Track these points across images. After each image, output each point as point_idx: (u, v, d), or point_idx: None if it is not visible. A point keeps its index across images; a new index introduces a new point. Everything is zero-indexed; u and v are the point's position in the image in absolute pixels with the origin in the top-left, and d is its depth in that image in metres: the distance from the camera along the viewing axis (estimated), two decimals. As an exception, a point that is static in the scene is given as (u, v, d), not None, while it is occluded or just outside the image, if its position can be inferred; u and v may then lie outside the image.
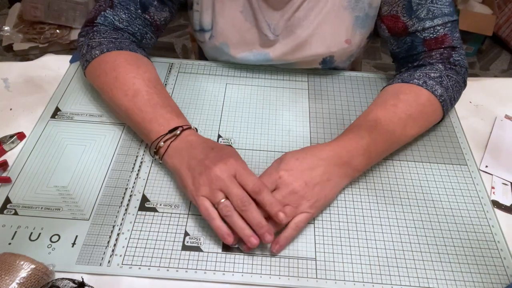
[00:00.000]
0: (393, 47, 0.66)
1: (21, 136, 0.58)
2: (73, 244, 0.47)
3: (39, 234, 0.48)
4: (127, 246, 0.47)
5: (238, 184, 0.46)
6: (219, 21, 0.66)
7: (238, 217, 0.45)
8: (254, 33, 0.66)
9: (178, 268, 0.46)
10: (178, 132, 0.51)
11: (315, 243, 0.49)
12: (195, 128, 0.54)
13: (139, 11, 0.62)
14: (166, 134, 0.51)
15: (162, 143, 0.51)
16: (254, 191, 0.46)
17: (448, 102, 0.59)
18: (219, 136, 0.60)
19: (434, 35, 0.60)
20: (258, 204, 0.46)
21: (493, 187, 0.57)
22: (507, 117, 0.67)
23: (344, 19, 0.64)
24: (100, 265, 0.46)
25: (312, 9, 0.63)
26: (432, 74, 0.59)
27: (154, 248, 0.47)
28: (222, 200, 0.45)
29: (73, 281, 0.42)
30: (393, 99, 0.58)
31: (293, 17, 0.64)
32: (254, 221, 0.45)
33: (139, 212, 0.51)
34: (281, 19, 0.64)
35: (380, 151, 0.55)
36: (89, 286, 0.42)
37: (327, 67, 0.70)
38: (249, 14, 0.65)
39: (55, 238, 0.48)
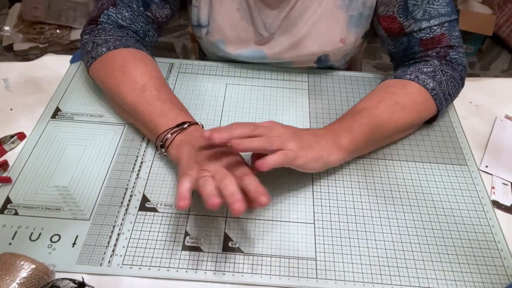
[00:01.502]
0: (390, 47, 0.67)
1: (21, 136, 0.58)
2: (74, 244, 0.47)
3: (40, 234, 0.48)
4: (128, 246, 0.47)
5: (227, 171, 0.45)
6: (216, 18, 0.66)
7: (211, 186, 0.42)
8: (250, 31, 0.67)
9: (178, 268, 0.46)
10: (185, 126, 0.52)
11: (315, 243, 0.49)
12: (202, 125, 0.55)
13: (141, 8, 0.62)
14: (174, 127, 0.52)
15: (169, 135, 0.51)
16: (238, 176, 0.45)
17: (441, 96, 0.59)
18: (219, 136, 0.60)
19: (431, 35, 0.60)
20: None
21: (493, 187, 0.57)
22: (507, 117, 0.67)
23: (338, 19, 0.64)
24: (101, 265, 0.46)
25: (307, 8, 0.63)
26: (425, 69, 0.60)
27: (154, 248, 0.47)
28: (208, 177, 0.44)
29: (73, 281, 0.42)
30: (381, 92, 0.59)
31: (288, 16, 0.64)
32: (227, 192, 0.42)
33: (140, 212, 0.51)
34: (277, 18, 0.65)
35: (365, 131, 0.53)
36: (89, 286, 0.42)
37: (322, 65, 0.71)
38: (245, 12, 0.65)
39: (55, 238, 0.48)
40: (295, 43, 0.66)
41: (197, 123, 0.54)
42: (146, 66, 0.58)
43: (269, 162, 0.44)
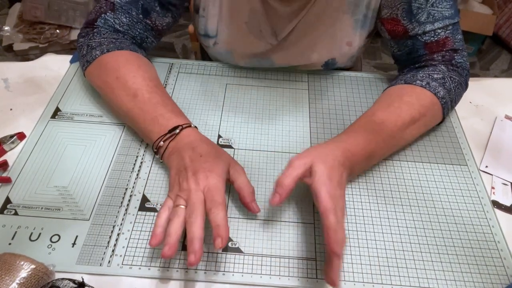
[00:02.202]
0: (394, 50, 0.66)
1: (21, 136, 0.58)
2: (73, 244, 0.47)
3: (39, 234, 0.48)
4: (127, 246, 0.47)
5: (202, 198, 0.45)
6: (224, 30, 0.66)
7: (177, 224, 0.43)
8: (258, 44, 0.67)
9: (178, 268, 0.46)
10: (177, 131, 0.52)
11: (315, 243, 0.49)
12: (195, 127, 0.54)
13: (141, 16, 0.62)
14: (166, 134, 0.52)
15: (162, 142, 0.52)
16: (208, 208, 0.44)
17: (449, 104, 0.59)
18: (219, 136, 0.60)
19: (435, 38, 0.60)
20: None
21: (493, 187, 0.57)
22: (507, 117, 0.67)
23: (344, 23, 0.64)
24: (100, 265, 0.46)
25: (314, 15, 0.63)
26: (435, 76, 0.59)
27: (154, 248, 0.47)
28: (181, 206, 0.45)
29: (73, 281, 0.42)
30: (397, 101, 0.57)
31: (298, 25, 0.64)
32: (189, 235, 0.42)
33: (139, 212, 0.51)
34: (285, 28, 0.64)
35: (380, 155, 0.55)
36: (89, 286, 0.42)
37: (329, 68, 0.71)
38: (254, 25, 0.65)
39: (55, 238, 0.48)
40: (302, 50, 0.67)
41: (190, 125, 0.53)
42: (138, 68, 0.57)
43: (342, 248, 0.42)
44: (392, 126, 0.54)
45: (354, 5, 0.63)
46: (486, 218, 0.53)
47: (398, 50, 0.65)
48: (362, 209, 0.53)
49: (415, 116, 0.56)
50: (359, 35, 0.66)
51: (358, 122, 0.56)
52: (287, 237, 0.49)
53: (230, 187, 0.54)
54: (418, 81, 0.59)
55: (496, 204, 0.55)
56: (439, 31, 0.59)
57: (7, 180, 0.52)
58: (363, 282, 0.46)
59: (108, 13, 0.61)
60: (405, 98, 0.58)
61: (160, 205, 0.51)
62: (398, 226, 0.51)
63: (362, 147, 0.51)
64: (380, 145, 0.53)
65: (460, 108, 0.67)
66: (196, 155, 0.49)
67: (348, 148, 0.50)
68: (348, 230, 0.50)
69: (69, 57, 0.72)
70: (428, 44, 0.61)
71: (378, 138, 0.53)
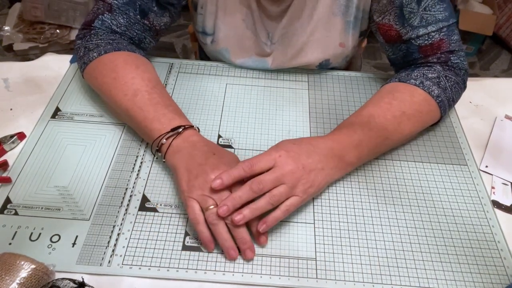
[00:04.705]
0: (389, 53, 0.66)
1: (21, 136, 0.58)
2: (74, 244, 0.47)
3: (40, 234, 0.48)
4: (127, 246, 0.47)
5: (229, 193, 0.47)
6: (221, 27, 0.67)
7: (223, 227, 0.46)
8: (254, 41, 0.67)
9: (178, 268, 0.46)
10: (180, 130, 0.51)
11: (315, 243, 0.49)
12: (197, 128, 0.54)
13: (138, 16, 0.61)
14: (168, 132, 0.51)
15: (165, 140, 0.51)
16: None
17: (446, 103, 0.59)
18: (219, 136, 0.60)
19: (429, 41, 0.59)
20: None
21: (493, 187, 0.57)
22: (507, 117, 0.67)
23: (335, 25, 0.65)
24: (100, 265, 0.46)
25: (305, 18, 0.64)
26: (430, 75, 0.59)
27: (154, 248, 0.47)
28: (211, 207, 0.45)
29: (73, 281, 0.42)
30: (388, 97, 0.58)
31: (289, 27, 0.65)
32: (238, 235, 0.46)
33: (139, 212, 0.51)
34: (277, 29, 0.65)
35: (372, 146, 0.54)
36: (89, 286, 0.42)
37: (323, 68, 0.71)
38: (250, 22, 0.66)
39: (55, 238, 0.48)
40: (296, 52, 0.67)
41: (192, 126, 0.53)
42: (137, 69, 0.57)
43: (271, 222, 0.47)
44: (381, 118, 0.55)
45: (345, 7, 0.63)
46: (486, 218, 0.53)
47: (392, 53, 0.65)
48: (362, 209, 0.53)
49: (407, 111, 0.56)
50: (352, 36, 0.66)
51: (348, 118, 0.57)
52: (287, 237, 0.49)
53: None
54: (412, 80, 0.59)
55: (496, 204, 0.55)
56: (433, 34, 0.59)
57: (7, 180, 0.52)
58: (363, 282, 0.46)
59: (105, 14, 0.60)
60: (397, 95, 0.58)
61: (160, 205, 0.51)
62: (398, 226, 0.51)
63: (348, 136, 0.53)
64: (369, 135, 0.53)
65: (460, 108, 0.67)
66: (209, 153, 0.49)
67: (333, 138, 0.52)
68: (349, 230, 0.50)
69: (69, 57, 0.72)
70: (422, 47, 0.60)
71: (366, 129, 0.54)
